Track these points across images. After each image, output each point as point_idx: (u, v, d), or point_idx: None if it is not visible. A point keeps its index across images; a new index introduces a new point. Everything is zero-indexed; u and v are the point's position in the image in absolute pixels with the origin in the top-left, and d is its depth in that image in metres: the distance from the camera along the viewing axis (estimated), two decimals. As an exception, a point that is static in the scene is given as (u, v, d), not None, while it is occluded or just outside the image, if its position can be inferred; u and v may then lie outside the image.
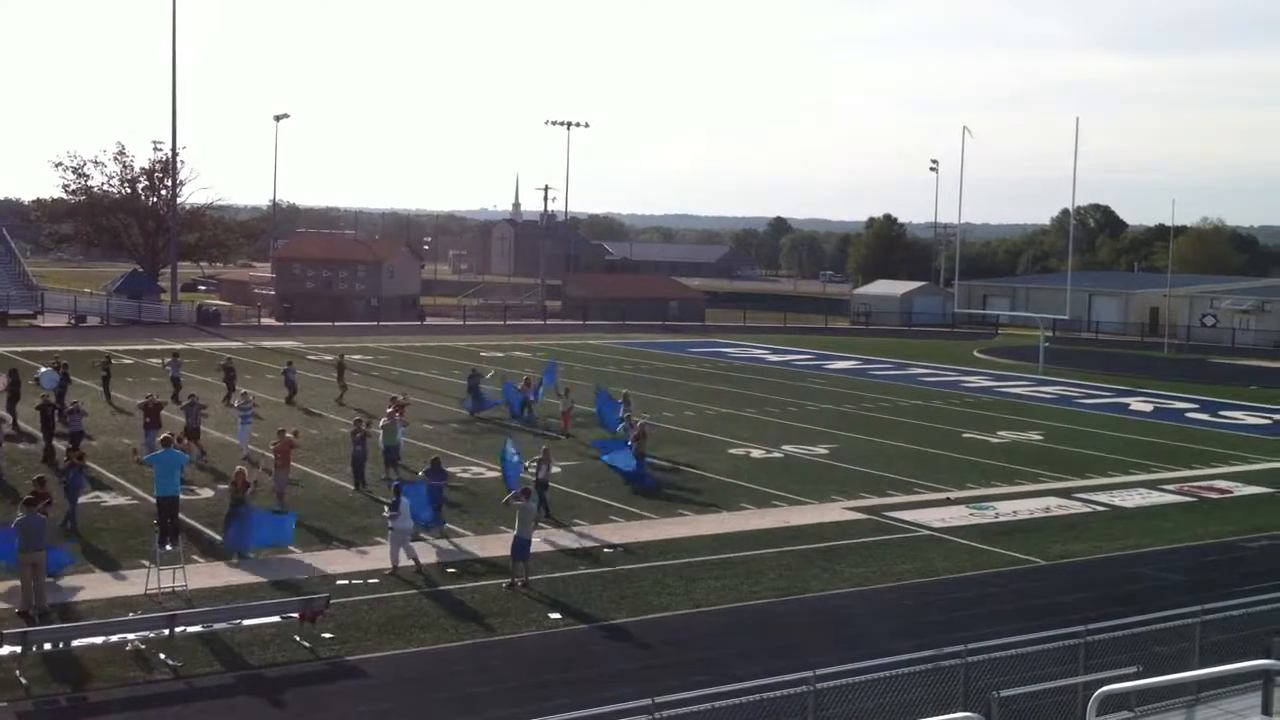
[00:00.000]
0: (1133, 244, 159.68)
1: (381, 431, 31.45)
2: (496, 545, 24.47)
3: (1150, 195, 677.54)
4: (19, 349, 56.34)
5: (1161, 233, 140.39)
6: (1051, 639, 17.13)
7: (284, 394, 43.56)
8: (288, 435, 28.63)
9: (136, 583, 21.58)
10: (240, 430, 33.76)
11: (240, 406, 34.65)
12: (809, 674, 14.18)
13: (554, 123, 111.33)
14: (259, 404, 37.68)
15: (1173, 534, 28.74)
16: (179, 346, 56.46)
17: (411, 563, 23.03)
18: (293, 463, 28.60)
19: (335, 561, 23.64)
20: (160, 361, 50.57)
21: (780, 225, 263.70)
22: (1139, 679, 14.79)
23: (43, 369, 41.86)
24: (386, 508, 23.48)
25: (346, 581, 22.24)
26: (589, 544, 25.71)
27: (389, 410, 33.35)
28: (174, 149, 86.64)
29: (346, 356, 49.62)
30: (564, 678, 18.19)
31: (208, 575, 22.44)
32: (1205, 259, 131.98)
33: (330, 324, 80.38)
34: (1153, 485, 34.39)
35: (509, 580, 22.48)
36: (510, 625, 20.40)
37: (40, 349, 56.93)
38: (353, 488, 29.78)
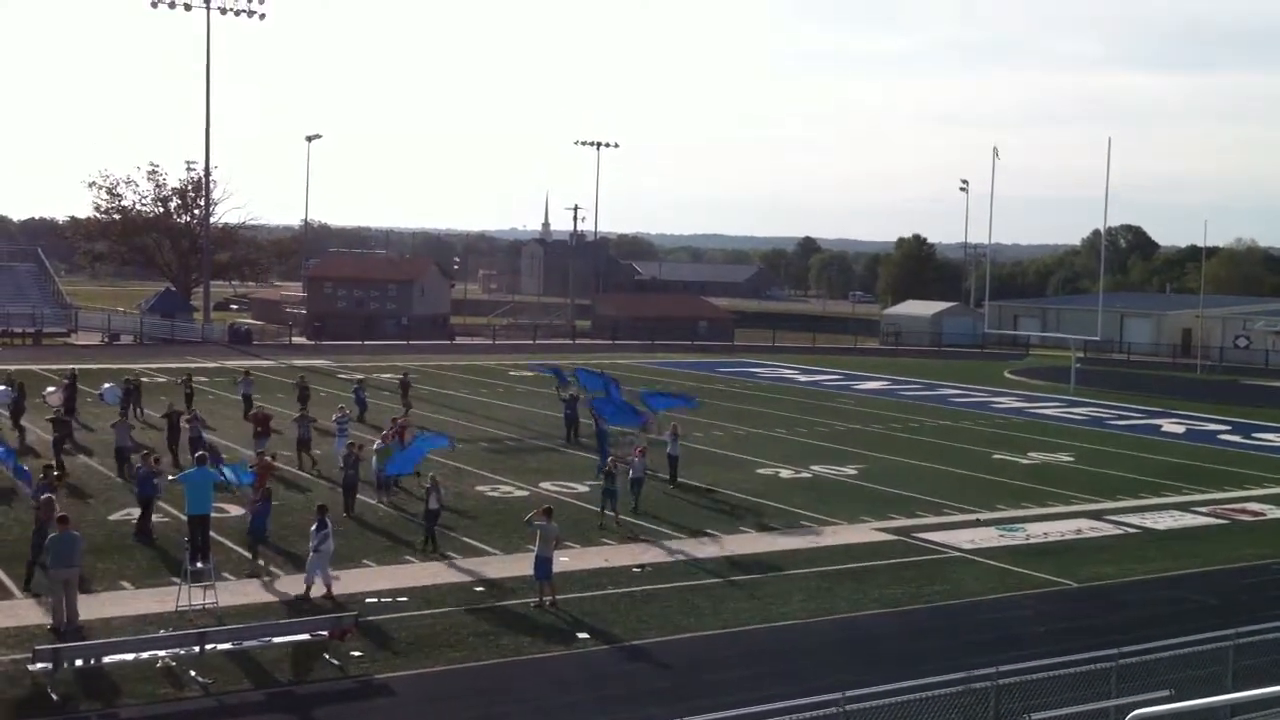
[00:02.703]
0: (1165, 264, 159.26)
1: (375, 455, 30.58)
2: (523, 564, 24.46)
3: (1182, 215, 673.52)
4: (53, 367, 56.75)
5: (1194, 253, 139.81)
6: (1083, 662, 17.06)
7: (355, 411, 43.55)
8: (265, 458, 28.65)
9: (167, 600, 21.70)
10: (337, 443, 34.00)
11: (337, 420, 35.90)
12: (838, 695, 14.15)
13: (583, 143, 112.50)
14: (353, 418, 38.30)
15: (1205, 557, 28.50)
16: (249, 364, 58.31)
17: (324, 589, 22.42)
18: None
19: (361, 581, 23.68)
20: (232, 379, 52.31)
21: (809, 245, 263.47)
22: (1171, 703, 14.69)
23: (106, 385, 42.72)
24: (313, 528, 22.49)
25: (375, 600, 22.30)
26: (617, 564, 25.69)
27: (384, 433, 33.26)
28: (207, 168, 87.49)
29: (410, 375, 49.70)
30: (592, 697, 18.18)
31: (238, 593, 22.55)
32: (1238, 280, 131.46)
33: (361, 343, 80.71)
34: (1185, 507, 34.14)
35: (535, 600, 22.51)
36: (538, 645, 20.40)
37: (76, 367, 57.28)
38: (345, 513, 28.44)
